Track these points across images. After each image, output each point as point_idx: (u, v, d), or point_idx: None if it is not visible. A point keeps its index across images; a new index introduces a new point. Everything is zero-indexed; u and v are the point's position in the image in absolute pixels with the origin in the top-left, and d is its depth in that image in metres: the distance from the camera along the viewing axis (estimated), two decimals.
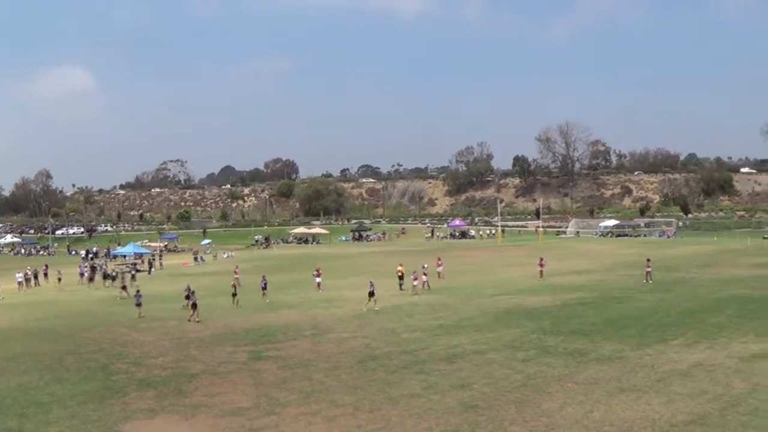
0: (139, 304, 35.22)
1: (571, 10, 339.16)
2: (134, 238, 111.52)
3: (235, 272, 50.29)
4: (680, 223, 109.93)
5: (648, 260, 42.30)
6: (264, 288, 39.80)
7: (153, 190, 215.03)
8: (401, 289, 41.24)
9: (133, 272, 60.51)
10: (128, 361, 24.00)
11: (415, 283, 39.55)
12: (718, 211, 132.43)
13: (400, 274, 42.92)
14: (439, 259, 49.47)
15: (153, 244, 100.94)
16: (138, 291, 36.84)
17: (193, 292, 34.59)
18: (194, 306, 32.82)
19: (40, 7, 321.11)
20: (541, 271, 45.13)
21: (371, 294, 33.97)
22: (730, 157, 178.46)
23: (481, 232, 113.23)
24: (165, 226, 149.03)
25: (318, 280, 43.74)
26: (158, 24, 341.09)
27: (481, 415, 16.44)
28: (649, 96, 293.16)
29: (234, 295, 37.87)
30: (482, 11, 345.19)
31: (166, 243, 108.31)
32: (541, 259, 46.62)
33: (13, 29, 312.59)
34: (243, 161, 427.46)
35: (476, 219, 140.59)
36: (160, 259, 75.63)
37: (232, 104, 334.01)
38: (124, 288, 45.91)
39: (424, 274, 41.75)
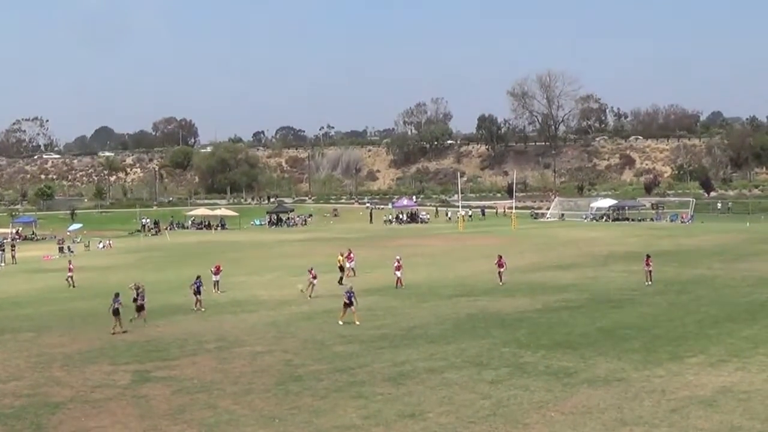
0: None
1: None
2: None
3: (69, 269, 48.97)
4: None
5: (648, 257, 41.46)
6: (198, 292, 37.34)
7: (2, 158, 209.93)
8: (341, 284, 41.85)
9: None
10: None
11: (315, 281, 39.72)
12: (752, 188, 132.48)
13: (341, 265, 44.42)
14: (350, 252, 48.83)
15: (2, 231, 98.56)
16: None
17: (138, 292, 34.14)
18: (141, 308, 33.21)
19: None
20: (500, 273, 42.46)
21: (348, 305, 31.81)
22: None
23: (451, 214, 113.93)
24: (19, 206, 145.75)
25: (216, 278, 43.27)
26: None
27: None
28: (657, 38, 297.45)
29: (136, 300, 35.40)
30: None
31: (19, 229, 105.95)
32: (500, 258, 43.43)
33: None
34: (124, 121, 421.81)
35: (417, 198, 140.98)
36: (12, 250, 73.95)
37: (109, 46, 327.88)
38: None
39: (398, 269, 42.10)
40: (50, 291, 47.11)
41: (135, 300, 35.42)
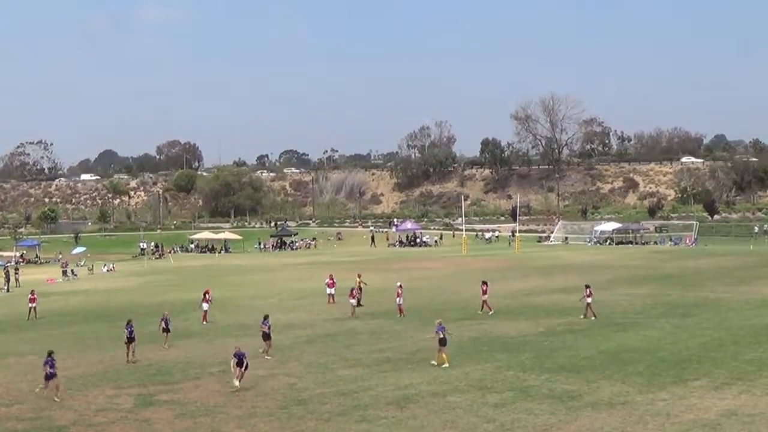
0: None
1: None
2: None
3: (31, 298, 46.03)
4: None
5: (587, 287, 38.13)
6: (267, 336, 31.29)
7: (6, 182, 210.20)
8: (360, 304, 42.81)
9: None
10: None
11: (352, 301, 41.18)
12: (756, 211, 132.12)
13: (360, 285, 45.05)
14: (331, 277, 47.30)
15: (6, 254, 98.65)
16: None
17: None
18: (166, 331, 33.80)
19: None
20: (485, 302, 40.16)
21: (443, 342, 27.88)
22: None
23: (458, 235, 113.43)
24: (22, 229, 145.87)
25: (204, 307, 40.99)
26: None
27: None
28: (660, 61, 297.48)
29: (166, 330, 34.40)
30: None
31: (23, 252, 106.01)
32: (484, 284, 40.73)
33: None
34: (128, 144, 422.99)
35: (424, 219, 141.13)
36: (16, 273, 73.94)
37: (113, 69, 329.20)
38: None
39: (398, 295, 41.25)
40: (53, 314, 47.04)
41: (166, 329, 34.77)
